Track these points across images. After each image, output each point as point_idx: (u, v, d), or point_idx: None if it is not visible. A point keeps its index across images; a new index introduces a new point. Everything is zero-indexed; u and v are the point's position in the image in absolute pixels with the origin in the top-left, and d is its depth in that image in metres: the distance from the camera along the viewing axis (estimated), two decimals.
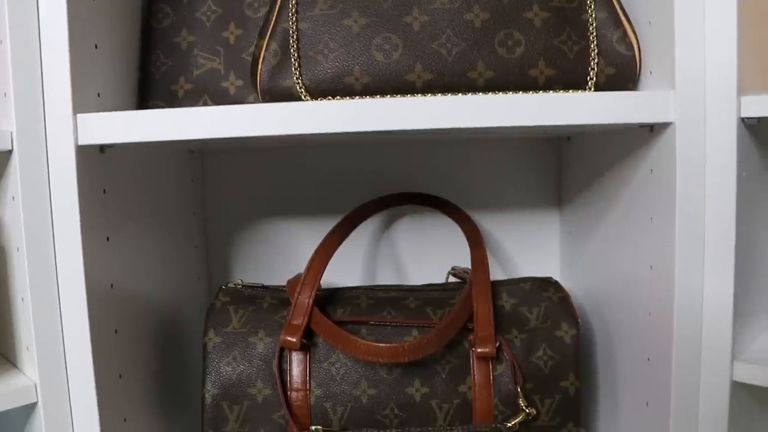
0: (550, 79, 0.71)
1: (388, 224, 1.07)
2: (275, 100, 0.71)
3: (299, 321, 0.81)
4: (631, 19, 0.73)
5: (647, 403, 0.75)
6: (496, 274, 1.08)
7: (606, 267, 0.86)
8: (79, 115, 0.67)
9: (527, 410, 0.79)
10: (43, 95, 0.66)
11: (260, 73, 0.71)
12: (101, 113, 0.67)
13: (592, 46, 0.72)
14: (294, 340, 0.80)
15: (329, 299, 0.86)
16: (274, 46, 0.71)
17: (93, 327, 0.69)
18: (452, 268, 0.96)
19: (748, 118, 0.66)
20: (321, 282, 0.85)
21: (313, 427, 0.79)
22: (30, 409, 0.68)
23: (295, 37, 0.71)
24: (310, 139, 0.79)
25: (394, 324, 0.83)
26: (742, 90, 0.66)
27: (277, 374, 0.80)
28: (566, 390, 0.82)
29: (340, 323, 0.82)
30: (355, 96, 0.70)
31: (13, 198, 0.67)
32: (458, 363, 0.81)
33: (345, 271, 1.08)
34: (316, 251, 0.86)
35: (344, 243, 1.02)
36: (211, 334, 0.83)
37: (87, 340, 0.68)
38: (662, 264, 0.70)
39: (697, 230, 0.67)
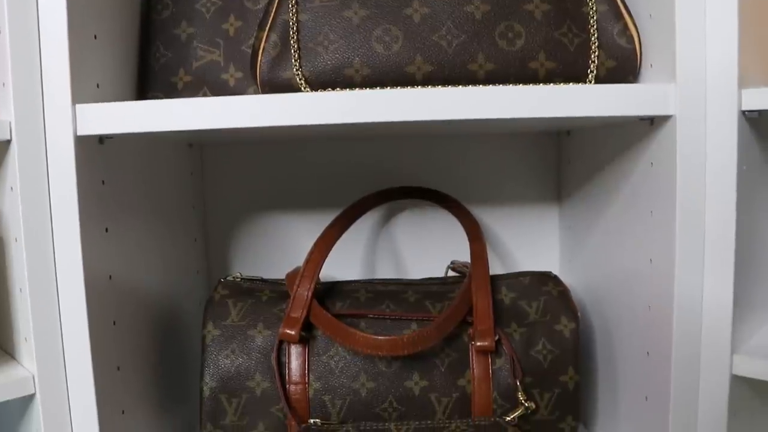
0: (551, 72, 0.71)
1: (387, 218, 1.07)
2: (275, 92, 0.70)
3: (298, 314, 0.81)
4: (631, 11, 0.73)
5: (647, 398, 0.75)
6: (496, 268, 1.08)
7: (605, 261, 0.86)
8: (78, 106, 0.66)
9: (526, 404, 0.79)
10: (42, 85, 0.66)
11: (260, 65, 0.71)
12: (100, 104, 0.67)
13: (592, 38, 0.72)
14: (293, 332, 0.80)
15: (328, 292, 0.86)
16: (274, 37, 0.71)
17: (91, 318, 0.68)
18: (451, 263, 0.96)
19: (748, 111, 0.66)
20: (320, 276, 0.85)
21: (312, 421, 0.79)
22: (28, 400, 0.68)
23: (295, 28, 0.71)
24: (309, 131, 0.78)
25: (393, 317, 0.82)
26: (743, 83, 0.66)
27: (275, 367, 0.80)
28: (565, 384, 0.82)
29: (339, 316, 0.82)
30: (355, 88, 0.70)
31: (12, 188, 0.67)
32: (457, 357, 0.81)
33: (344, 265, 1.08)
34: (315, 244, 0.86)
35: (343, 237, 1.02)
36: (209, 326, 0.83)
37: (85, 331, 0.68)
38: (662, 258, 0.70)
39: (697, 223, 0.67)
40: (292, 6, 0.71)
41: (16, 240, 0.67)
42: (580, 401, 0.85)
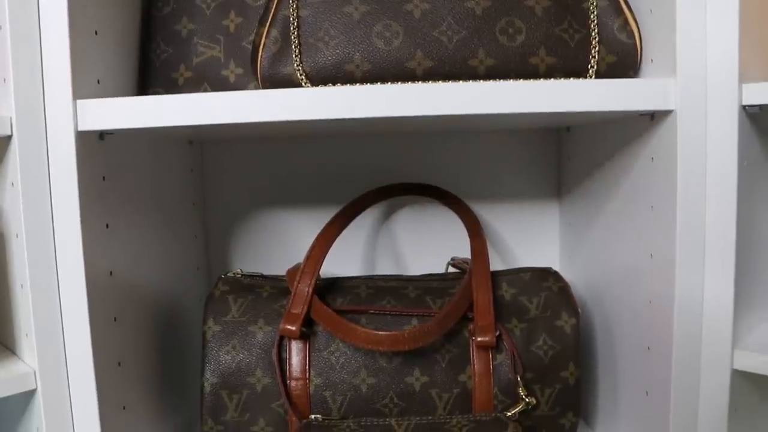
0: (551, 67, 0.71)
1: (387, 215, 1.07)
2: (276, 88, 0.70)
3: (299, 309, 0.81)
4: (632, 7, 0.73)
5: (647, 393, 0.75)
6: (496, 265, 1.08)
7: (606, 257, 0.86)
8: (78, 101, 0.66)
9: (527, 399, 0.79)
10: (43, 81, 0.66)
11: (260, 61, 0.71)
12: (101, 99, 0.67)
13: (593, 34, 0.72)
14: (293, 328, 0.80)
15: (329, 288, 0.86)
16: (274, 33, 0.71)
17: (92, 314, 0.69)
18: (452, 259, 0.96)
19: (749, 105, 0.66)
20: (320, 272, 0.85)
21: (313, 416, 0.79)
22: (29, 395, 0.68)
23: (295, 24, 0.71)
24: (310, 127, 0.78)
25: (393, 313, 0.82)
26: (744, 78, 0.66)
27: (276, 363, 0.80)
28: (566, 380, 0.82)
29: (339, 312, 0.82)
30: (356, 83, 0.70)
31: (13, 184, 0.67)
32: (458, 352, 0.81)
33: (344, 261, 1.08)
34: (316, 240, 0.86)
35: (343, 233, 1.03)
36: (210, 322, 0.83)
37: (86, 327, 0.68)
38: (663, 253, 0.70)
39: (698, 218, 0.67)
40: (293, 2, 0.71)
41: (17, 236, 0.67)
42: (581, 397, 0.85)
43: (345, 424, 0.77)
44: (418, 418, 0.78)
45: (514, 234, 1.07)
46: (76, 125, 0.66)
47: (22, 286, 0.68)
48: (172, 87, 0.82)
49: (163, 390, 0.87)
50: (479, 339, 0.80)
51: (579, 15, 0.72)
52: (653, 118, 0.71)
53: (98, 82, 0.71)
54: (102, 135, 0.72)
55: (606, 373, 0.87)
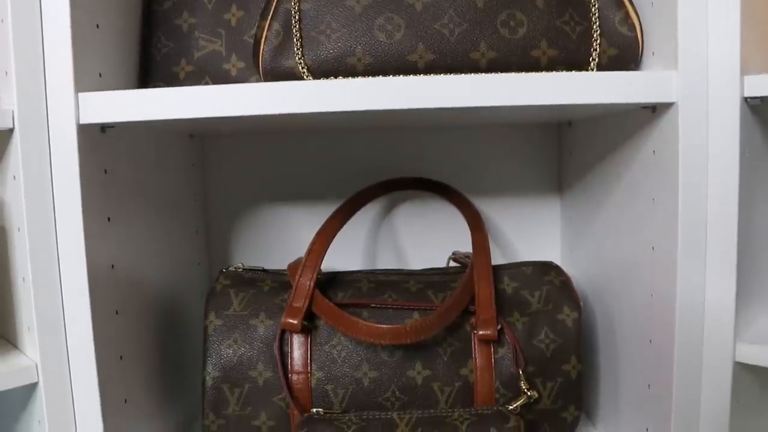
0: (553, 60, 0.71)
1: (388, 209, 1.07)
2: (277, 81, 0.70)
3: (300, 303, 0.81)
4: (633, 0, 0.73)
5: (649, 386, 0.75)
6: (497, 259, 1.08)
7: (607, 250, 0.86)
8: (80, 94, 0.66)
9: (529, 393, 0.79)
10: (45, 74, 0.66)
11: (262, 54, 0.71)
12: (103, 92, 0.67)
13: (594, 27, 0.72)
14: (295, 322, 0.80)
15: (330, 282, 0.86)
16: (276, 26, 0.71)
17: (94, 308, 0.69)
18: (453, 253, 0.96)
19: (751, 97, 0.66)
20: (321, 267, 0.85)
21: (314, 410, 0.79)
22: (31, 389, 0.68)
23: (297, 17, 0.71)
24: (311, 120, 0.78)
25: (395, 306, 0.82)
26: (745, 70, 0.66)
27: (278, 357, 0.80)
28: (568, 373, 0.82)
29: (341, 306, 0.82)
30: (357, 76, 0.70)
31: (14, 177, 0.67)
32: (460, 346, 0.81)
33: (345, 256, 1.08)
34: (317, 234, 0.86)
35: (345, 228, 1.03)
36: (212, 316, 0.83)
37: (88, 320, 0.68)
38: (664, 245, 0.70)
39: (699, 210, 0.67)
40: None
41: (18, 229, 0.68)
42: (583, 390, 0.85)
43: (347, 418, 0.77)
44: (419, 412, 0.78)
45: (515, 228, 1.07)
46: (77, 118, 0.66)
47: (23, 279, 0.68)
48: (173, 81, 0.82)
49: (164, 384, 0.87)
50: (481, 332, 0.80)
51: (580, 8, 0.72)
52: (655, 111, 0.71)
53: (100, 75, 0.71)
54: (103, 128, 0.72)
55: (608, 366, 0.87)
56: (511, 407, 0.79)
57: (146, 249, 0.82)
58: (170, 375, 0.90)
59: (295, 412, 0.79)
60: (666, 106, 0.68)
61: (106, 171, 0.72)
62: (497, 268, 0.87)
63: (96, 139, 0.70)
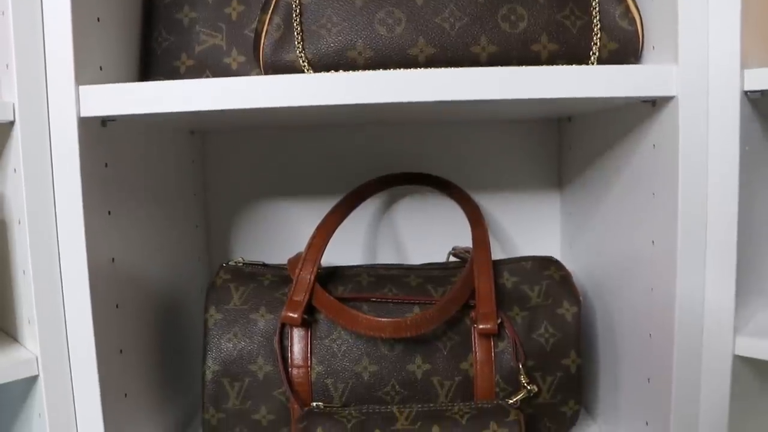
0: (553, 54, 0.71)
1: (388, 204, 1.07)
2: (278, 75, 0.70)
3: (301, 297, 0.81)
4: None
5: (649, 380, 0.75)
6: (497, 254, 1.08)
7: (607, 245, 0.86)
8: (81, 87, 0.66)
9: (529, 387, 0.79)
10: (46, 67, 0.66)
11: (263, 48, 0.71)
12: (104, 85, 0.67)
13: (594, 21, 0.72)
14: (295, 316, 0.80)
15: (330, 277, 0.86)
16: (276, 20, 0.71)
17: (94, 301, 0.68)
18: (453, 248, 0.96)
19: (751, 91, 0.66)
20: (321, 262, 0.85)
21: (314, 404, 0.79)
22: (31, 382, 0.68)
23: (298, 11, 0.71)
24: (311, 114, 0.78)
25: (395, 300, 0.83)
26: (745, 63, 0.66)
27: (278, 350, 0.80)
28: (567, 367, 0.82)
29: (341, 300, 0.82)
30: (358, 70, 0.70)
31: (15, 170, 0.66)
32: (460, 340, 0.81)
33: (345, 251, 1.08)
34: (317, 229, 0.86)
35: (345, 223, 1.03)
36: (212, 310, 0.83)
37: (88, 314, 0.68)
38: (664, 240, 0.70)
39: (699, 205, 0.67)
40: None
41: (19, 222, 0.67)
42: (582, 384, 0.85)
43: (347, 412, 0.77)
44: (419, 406, 0.78)
45: (515, 224, 1.08)
46: (78, 111, 0.66)
47: (24, 272, 0.68)
48: (173, 75, 0.82)
49: (164, 378, 0.87)
50: (481, 326, 0.80)
51: (581, 2, 0.72)
52: (655, 105, 0.71)
53: (101, 69, 0.71)
54: (104, 122, 0.71)
55: (607, 360, 0.87)
56: (511, 401, 0.79)
57: (147, 243, 0.82)
58: (170, 369, 0.90)
59: (295, 405, 0.79)
60: (666, 100, 0.68)
61: (106, 165, 0.72)
62: (497, 263, 0.87)
63: (97, 133, 0.70)
